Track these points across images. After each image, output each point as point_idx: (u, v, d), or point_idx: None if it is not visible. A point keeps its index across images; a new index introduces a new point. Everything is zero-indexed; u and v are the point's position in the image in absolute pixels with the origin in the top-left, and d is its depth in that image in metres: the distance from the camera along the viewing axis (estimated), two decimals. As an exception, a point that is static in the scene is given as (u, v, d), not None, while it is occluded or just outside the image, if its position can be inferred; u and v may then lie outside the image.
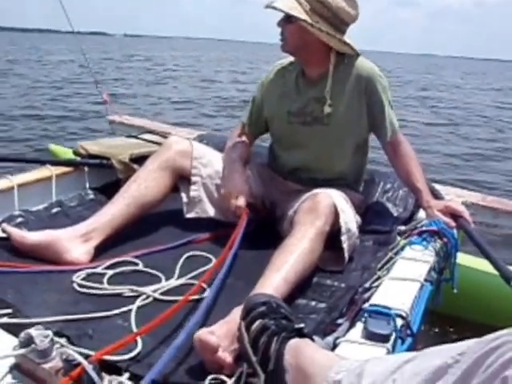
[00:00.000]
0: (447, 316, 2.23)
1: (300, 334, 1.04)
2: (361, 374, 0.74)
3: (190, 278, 1.62)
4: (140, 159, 2.26)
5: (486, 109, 13.14)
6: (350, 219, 1.75)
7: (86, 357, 1.07)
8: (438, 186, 2.27)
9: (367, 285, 1.38)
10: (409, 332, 1.24)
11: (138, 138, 2.73)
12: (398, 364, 0.70)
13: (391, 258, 1.63)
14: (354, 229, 1.78)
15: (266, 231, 1.92)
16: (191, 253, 1.79)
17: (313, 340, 1.07)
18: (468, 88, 21.34)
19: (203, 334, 1.15)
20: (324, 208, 1.61)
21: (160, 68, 20.09)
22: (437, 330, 2.28)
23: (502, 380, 0.53)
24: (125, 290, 1.52)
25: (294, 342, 1.00)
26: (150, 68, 19.52)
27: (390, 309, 1.22)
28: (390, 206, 2.20)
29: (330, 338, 1.16)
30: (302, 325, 1.07)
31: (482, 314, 2.27)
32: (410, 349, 1.21)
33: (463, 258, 2.11)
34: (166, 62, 24.52)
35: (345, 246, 1.70)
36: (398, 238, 1.84)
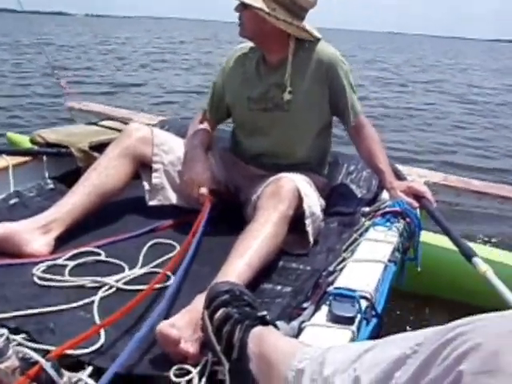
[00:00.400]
0: (411, 293, 2.26)
1: (263, 321, 1.03)
2: (323, 362, 0.73)
3: (154, 267, 1.59)
4: (100, 147, 2.20)
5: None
6: (313, 203, 1.74)
7: (47, 353, 1.04)
8: (400, 167, 2.29)
9: (331, 268, 1.37)
10: (373, 313, 1.24)
11: (98, 125, 2.66)
12: (359, 353, 0.69)
13: (355, 240, 1.64)
14: (318, 212, 1.78)
15: (232, 216, 1.90)
16: (155, 241, 1.75)
17: (276, 327, 1.05)
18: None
19: (164, 327, 1.13)
20: (287, 192, 1.60)
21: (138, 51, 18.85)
22: (402, 308, 2.30)
23: (456, 374, 0.52)
24: (87, 281, 1.48)
25: (258, 330, 0.99)
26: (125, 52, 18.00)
27: (354, 291, 1.21)
28: (353, 187, 2.20)
29: (295, 323, 1.15)
30: (264, 312, 1.05)
31: (446, 290, 2.31)
32: (375, 329, 1.22)
33: (427, 236, 2.13)
34: (144, 44, 23.30)
35: (309, 229, 1.70)
36: (363, 220, 1.85)
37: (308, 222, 1.69)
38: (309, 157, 1.99)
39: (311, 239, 1.71)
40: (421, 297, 2.35)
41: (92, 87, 8.59)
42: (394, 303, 2.29)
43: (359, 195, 2.16)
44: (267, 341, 0.94)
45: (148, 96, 8.61)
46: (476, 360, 0.51)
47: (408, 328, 2.19)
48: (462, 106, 9.79)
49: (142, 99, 8.17)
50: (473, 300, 2.14)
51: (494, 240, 3.14)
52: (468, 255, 1.54)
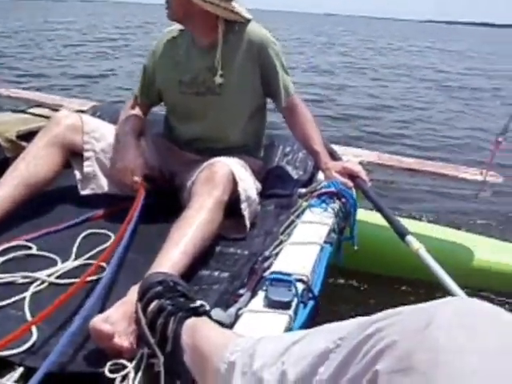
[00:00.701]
0: (350, 271, 2.30)
1: (197, 312, 1.01)
2: (253, 354, 0.72)
3: (89, 258, 1.54)
4: (29, 135, 2.11)
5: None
6: (249, 186, 1.73)
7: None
8: (335, 147, 2.30)
9: (267, 253, 1.36)
10: (310, 295, 1.25)
11: (26, 113, 2.55)
12: (287, 345, 0.68)
13: (292, 222, 1.64)
14: (254, 195, 1.77)
15: (167, 202, 1.86)
16: (89, 231, 1.69)
17: (211, 318, 1.04)
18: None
19: (97, 322, 1.10)
20: (221, 177, 1.58)
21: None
22: (341, 286, 2.34)
23: (373, 374, 0.52)
24: (17, 276, 1.41)
25: (191, 322, 0.97)
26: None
27: (290, 275, 1.21)
28: (290, 169, 2.21)
29: (232, 310, 1.14)
30: (198, 303, 1.04)
31: (383, 267, 2.37)
32: (313, 311, 1.22)
33: (364, 215, 2.17)
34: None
35: (245, 213, 1.69)
36: (299, 201, 1.85)
37: (244, 206, 1.68)
38: (243, 140, 1.97)
39: (248, 223, 1.70)
40: (359, 273, 2.39)
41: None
42: (333, 281, 2.33)
43: (295, 176, 2.17)
44: (200, 332, 0.92)
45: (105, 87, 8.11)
46: (391, 359, 0.51)
47: (346, 306, 2.23)
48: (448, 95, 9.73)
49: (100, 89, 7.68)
50: (409, 275, 2.20)
51: (426, 215, 3.24)
52: (401, 234, 1.57)
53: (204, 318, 1.00)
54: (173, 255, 1.33)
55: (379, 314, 0.58)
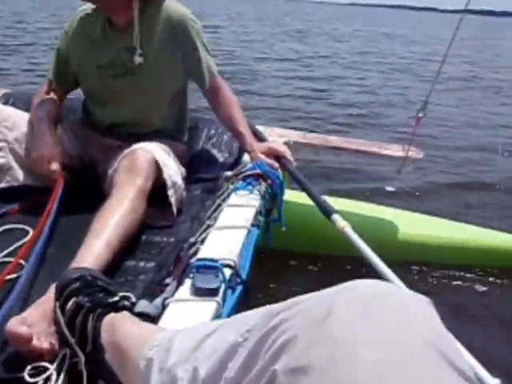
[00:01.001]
0: (280, 251, 2.30)
1: (117, 307, 0.96)
2: (169, 349, 0.69)
3: (6, 256, 1.44)
4: None
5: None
6: (174, 172, 1.68)
7: None
8: (261, 128, 2.29)
9: (193, 239, 1.33)
10: (238, 280, 1.23)
11: None
12: (201, 339, 0.65)
13: (219, 206, 1.61)
14: (180, 181, 1.72)
15: (89, 193, 1.77)
16: (5, 227, 1.59)
17: (132, 312, 0.99)
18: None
19: (13, 324, 1.02)
20: (143, 164, 1.52)
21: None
22: (271, 266, 2.34)
23: (271, 374, 0.49)
24: None
25: (110, 318, 0.92)
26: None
27: (216, 261, 1.19)
28: (215, 152, 2.17)
29: (158, 300, 1.10)
30: (117, 297, 0.99)
31: (311, 245, 2.38)
32: (241, 296, 1.20)
33: (293, 195, 2.17)
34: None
35: (172, 200, 1.64)
36: (225, 184, 1.82)
37: (170, 192, 1.63)
38: (166, 124, 1.91)
39: (175, 210, 1.66)
40: (290, 253, 2.40)
41: None
42: (263, 262, 2.32)
43: (221, 159, 2.13)
44: (120, 328, 0.88)
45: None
46: (289, 357, 0.48)
47: (276, 285, 2.24)
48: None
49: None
50: (338, 252, 2.23)
51: (352, 193, 3.29)
52: (327, 213, 1.58)
53: (124, 313, 0.96)
54: (95, 248, 1.27)
55: (285, 303, 0.55)
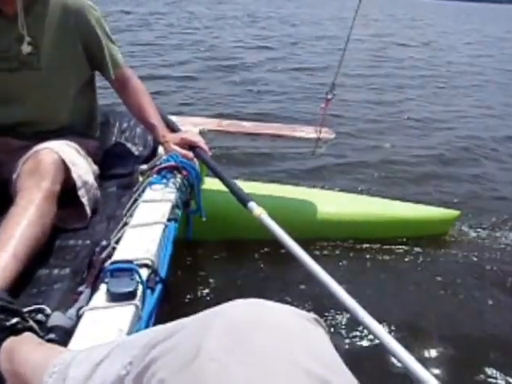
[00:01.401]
0: (203, 241, 2.28)
1: (16, 329, 0.89)
2: (64, 379, 0.64)
3: None
4: None
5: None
6: (84, 171, 1.61)
7: None
8: (174, 118, 2.23)
9: (104, 242, 1.27)
10: (157, 279, 1.19)
11: None
12: (92, 368, 0.60)
13: (135, 202, 1.56)
14: (92, 180, 1.65)
15: None
16: None
17: (35, 331, 0.93)
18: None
19: None
20: (48, 166, 1.44)
21: None
22: (190, 260, 2.32)
23: None
24: None
25: (8, 344, 0.85)
26: None
27: (131, 262, 1.14)
28: (129, 145, 2.09)
29: (72, 311, 1.05)
30: (14, 320, 0.92)
31: (232, 232, 2.37)
32: (162, 294, 1.17)
33: (212, 183, 2.13)
34: None
35: (84, 200, 1.56)
36: (141, 179, 1.77)
37: (81, 192, 1.56)
38: (73, 119, 1.81)
39: (88, 210, 1.58)
40: (212, 243, 2.38)
41: None
42: (184, 254, 2.29)
43: (136, 153, 2.06)
44: (20, 354, 0.81)
45: None
46: None
47: (200, 277, 2.22)
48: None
49: None
50: (263, 236, 2.23)
51: (269, 176, 3.31)
52: (243, 201, 1.57)
53: (25, 336, 0.89)
54: (1, 260, 1.19)
55: (168, 328, 0.52)
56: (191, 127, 2.25)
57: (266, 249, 2.34)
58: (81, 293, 1.10)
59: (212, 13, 17.83)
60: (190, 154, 1.80)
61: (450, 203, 3.07)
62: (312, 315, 0.51)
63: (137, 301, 1.06)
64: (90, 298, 1.08)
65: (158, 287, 1.17)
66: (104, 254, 1.19)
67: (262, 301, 0.51)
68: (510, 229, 2.96)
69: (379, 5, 36.47)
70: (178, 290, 2.03)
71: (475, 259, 2.60)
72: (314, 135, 2.34)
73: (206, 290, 2.11)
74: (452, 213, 2.78)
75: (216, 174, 1.77)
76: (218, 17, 16.59)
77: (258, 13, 19.27)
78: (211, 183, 2.11)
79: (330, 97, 2.19)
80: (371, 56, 10.45)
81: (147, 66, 7.14)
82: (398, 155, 4.21)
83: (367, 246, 2.56)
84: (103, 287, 1.09)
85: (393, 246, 2.59)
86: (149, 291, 1.14)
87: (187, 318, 0.52)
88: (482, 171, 4.03)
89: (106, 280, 1.10)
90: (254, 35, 12.28)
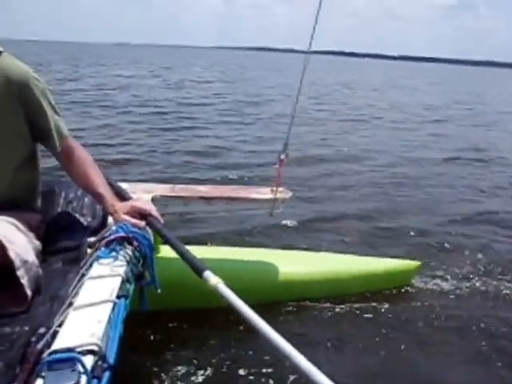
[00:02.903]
0: (156, 312, 2.11)
1: None
2: None
3: None
4: None
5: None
6: (23, 249, 1.45)
7: None
8: (125, 185, 2.12)
9: (43, 329, 1.11)
10: (105, 365, 1.04)
11: None
12: None
13: (81, 278, 1.40)
14: (32, 257, 1.49)
15: None
16: None
17: None
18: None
19: None
20: None
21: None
22: (146, 334, 2.16)
23: None
24: None
25: None
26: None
27: (73, 350, 0.99)
28: (76, 217, 1.93)
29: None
30: None
31: (189, 301, 2.23)
32: (110, 381, 1.02)
33: (166, 250, 2.00)
34: None
35: (23, 281, 1.40)
36: (89, 252, 1.61)
37: (20, 272, 1.39)
38: (13, 194, 1.67)
39: (28, 291, 1.42)
40: (167, 312, 2.23)
41: None
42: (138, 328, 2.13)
43: (84, 224, 1.90)
44: None
45: None
46: None
47: (155, 356, 2.05)
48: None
49: None
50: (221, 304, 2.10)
51: (226, 239, 3.21)
52: (198, 271, 1.44)
53: None
54: None
55: None
56: (143, 194, 2.13)
57: (226, 317, 2.19)
58: (15, 391, 0.93)
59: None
60: (141, 223, 1.67)
61: (410, 255, 3.04)
62: None
63: (79, 396, 0.90)
64: (23, 399, 0.91)
65: (106, 375, 1.02)
66: (41, 344, 1.02)
67: None
68: (473, 276, 2.96)
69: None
70: (132, 372, 1.86)
71: (438, 309, 2.56)
72: (270, 196, 2.26)
73: (158, 370, 1.96)
74: (413, 264, 2.75)
75: (169, 243, 1.64)
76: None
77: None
78: (167, 251, 1.97)
79: (283, 157, 2.14)
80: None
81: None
82: (357, 210, 4.19)
83: (328, 304, 2.49)
84: (39, 383, 0.93)
85: (353, 303, 2.52)
86: (95, 381, 0.98)
87: None
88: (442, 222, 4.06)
89: (43, 374, 0.94)
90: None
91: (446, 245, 3.53)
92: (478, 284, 2.87)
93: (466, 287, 2.82)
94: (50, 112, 1.67)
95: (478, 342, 2.31)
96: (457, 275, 2.95)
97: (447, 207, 4.58)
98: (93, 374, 0.98)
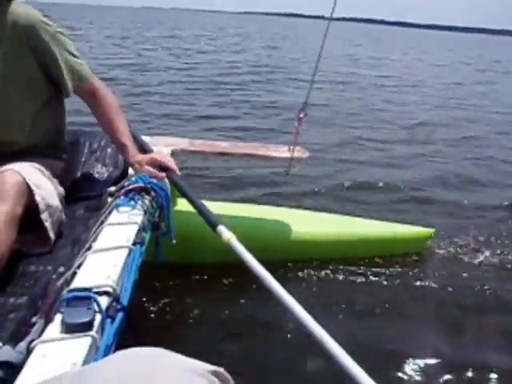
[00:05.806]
0: (172, 264, 2.18)
1: None
2: None
3: None
4: None
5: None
6: (48, 193, 1.52)
7: None
8: (146, 138, 2.16)
9: (62, 268, 1.18)
10: (119, 307, 1.10)
11: None
12: None
13: (101, 224, 1.46)
14: (56, 202, 1.56)
15: None
16: None
17: None
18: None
19: None
20: (10, 188, 1.35)
21: None
22: (158, 284, 2.22)
23: None
24: None
25: None
26: None
27: (90, 290, 1.06)
28: (99, 166, 1.99)
29: (22, 344, 0.95)
30: None
31: (200, 255, 2.29)
32: (123, 324, 1.08)
33: (184, 204, 2.05)
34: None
35: (47, 224, 1.47)
36: (110, 200, 1.67)
37: (44, 216, 1.46)
38: (35, 140, 1.70)
39: (52, 234, 1.49)
40: (184, 265, 2.29)
41: None
42: (152, 278, 2.19)
43: (106, 174, 1.96)
44: None
45: None
46: None
47: (166, 303, 2.13)
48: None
49: None
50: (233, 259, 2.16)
51: (242, 196, 3.23)
52: (213, 224, 1.50)
53: None
54: None
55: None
56: (163, 147, 2.18)
57: (235, 273, 2.26)
58: (33, 324, 1.01)
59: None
60: (160, 175, 1.72)
61: (424, 222, 3.01)
62: (212, 368, 0.47)
63: (94, 332, 0.97)
64: (42, 330, 0.99)
65: (119, 316, 1.08)
66: (60, 282, 1.09)
67: (157, 353, 0.48)
68: (483, 247, 2.93)
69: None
70: (143, 317, 1.94)
71: (449, 277, 2.56)
72: (287, 154, 2.28)
73: (171, 317, 2.03)
74: (426, 231, 2.74)
75: (185, 196, 1.69)
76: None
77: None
78: (185, 204, 2.03)
79: (301, 115, 2.14)
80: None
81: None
82: (373, 176, 4.17)
83: (340, 266, 2.50)
84: (58, 318, 1.00)
85: (366, 266, 2.53)
86: (108, 320, 1.05)
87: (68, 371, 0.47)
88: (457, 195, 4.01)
89: (62, 310, 1.01)
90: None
91: (462, 214, 3.50)
92: (493, 257, 2.81)
93: (481, 260, 2.76)
94: (62, 56, 1.65)
95: (491, 316, 2.29)
96: (473, 248, 2.89)
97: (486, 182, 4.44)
98: (107, 314, 1.05)
